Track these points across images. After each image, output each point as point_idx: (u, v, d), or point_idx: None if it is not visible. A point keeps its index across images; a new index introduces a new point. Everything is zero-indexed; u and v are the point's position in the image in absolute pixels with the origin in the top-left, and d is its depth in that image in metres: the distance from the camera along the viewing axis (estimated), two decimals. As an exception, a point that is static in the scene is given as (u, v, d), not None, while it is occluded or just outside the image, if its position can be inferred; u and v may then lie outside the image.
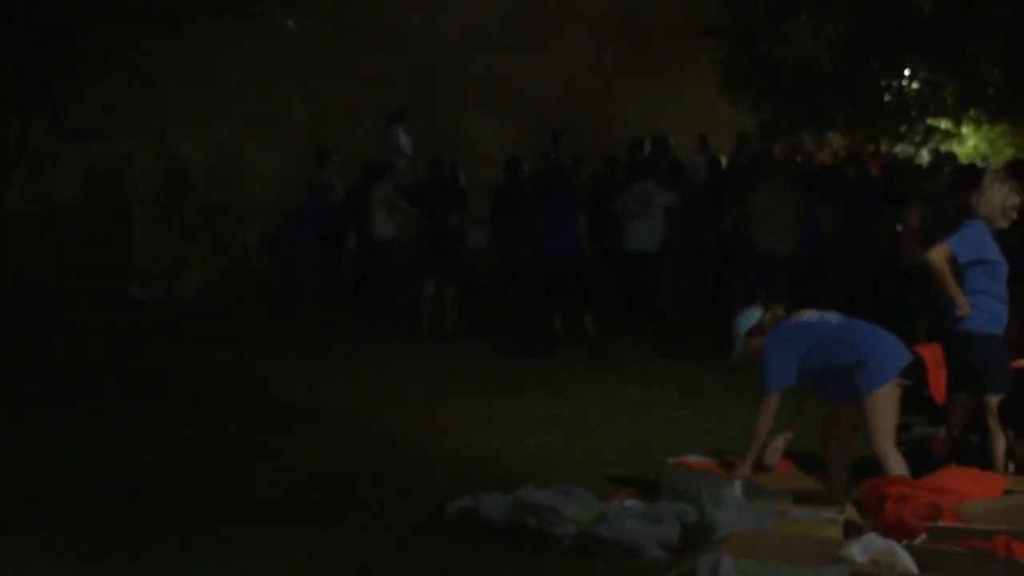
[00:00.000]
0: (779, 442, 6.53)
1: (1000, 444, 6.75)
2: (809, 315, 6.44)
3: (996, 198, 6.92)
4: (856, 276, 11.77)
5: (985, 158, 19.74)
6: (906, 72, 18.25)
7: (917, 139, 19.15)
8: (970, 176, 11.10)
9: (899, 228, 10.95)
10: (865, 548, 5.03)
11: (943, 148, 18.73)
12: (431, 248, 12.74)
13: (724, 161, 15.27)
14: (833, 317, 6.41)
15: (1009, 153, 19.10)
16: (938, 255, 6.81)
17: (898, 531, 5.41)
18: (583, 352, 11.41)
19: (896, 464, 6.11)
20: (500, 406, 9.33)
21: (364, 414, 9.03)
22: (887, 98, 18.34)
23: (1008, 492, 5.87)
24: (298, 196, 14.58)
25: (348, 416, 8.96)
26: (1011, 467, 6.75)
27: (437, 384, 10.15)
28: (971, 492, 5.67)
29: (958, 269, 6.81)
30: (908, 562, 4.98)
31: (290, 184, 14.85)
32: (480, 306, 13.69)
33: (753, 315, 6.51)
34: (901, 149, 19.44)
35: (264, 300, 14.31)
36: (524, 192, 13.84)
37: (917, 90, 18.34)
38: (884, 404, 6.11)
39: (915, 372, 6.27)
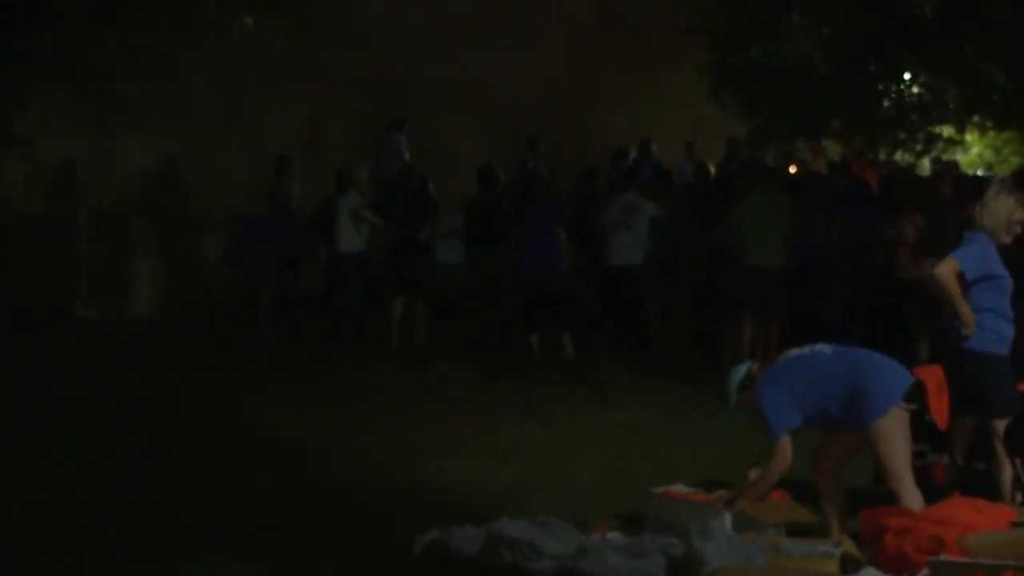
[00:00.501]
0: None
1: (1007, 472, 6.74)
2: (798, 351, 6.44)
3: (1002, 211, 6.90)
4: (851, 291, 11.79)
5: (990, 167, 19.88)
6: (906, 75, 18.33)
7: (918, 147, 19.25)
8: (970, 187, 11.17)
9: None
10: (863, 584, 5.02)
11: (945, 157, 18.86)
12: (400, 263, 12.72)
13: (713, 169, 15.30)
14: (825, 348, 6.41)
15: (1016, 162, 19.25)
16: (947, 271, 6.80)
17: (898, 565, 5.40)
18: (562, 374, 11.44)
19: (912, 497, 6.07)
20: (473, 432, 9.29)
21: (327, 441, 8.97)
22: (886, 103, 18.43)
23: (1015, 524, 5.85)
24: (260, 206, 14.49)
25: (311, 443, 8.90)
26: (1019, 497, 6.75)
27: (405, 408, 10.10)
28: (976, 524, 5.65)
29: (964, 286, 6.81)
30: (909, 599, 4.97)
31: (252, 193, 14.77)
32: (452, 325, 13.65)
33: (740, 370, 6.51)
34: (901, 157, 19.54)
35: (223, 319, 14.21)
36: (500, 203, 13.86)
37: (917, 94, 18.44)
38: (893, 430, 6.10)
39: (917, 395, 6.26)
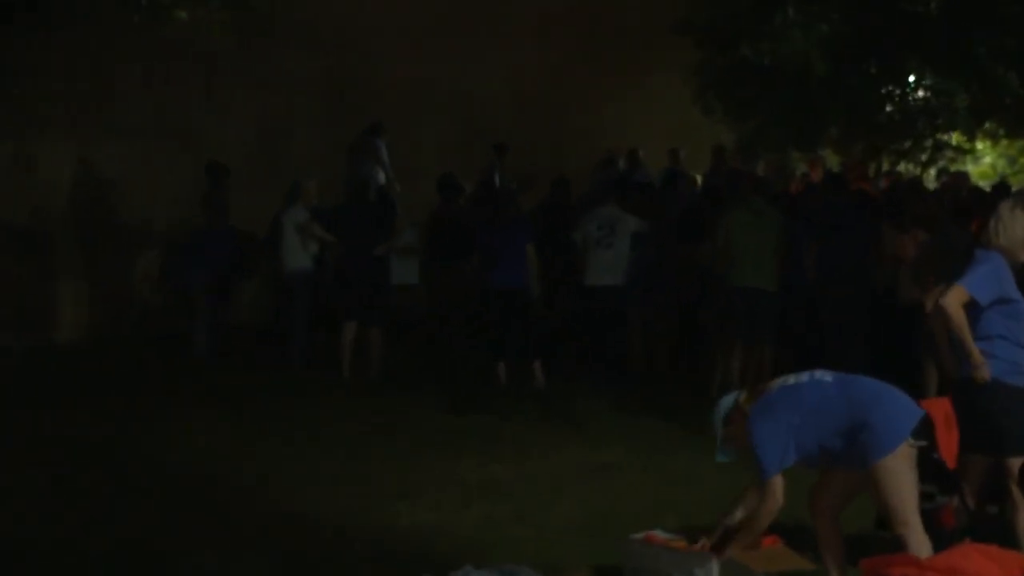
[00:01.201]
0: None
1: (1022, 515, 6.77)
2: (794, 378, 6.33)
3: (1019, 228, 6.92)
4: (850, 315, 11.83)
5: (1004, 178, 20.01)
6: (910, 77, 18.42)
7: (923, 156, 19.34)
8: (982, 200, 11.23)
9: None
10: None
11: (954, 167, 18.97)
12: (352, 283, 12.70)
13: (699, 180, 15.36)
14: (825, 375, 6.29)
15: (1031, 173, 19.41)
16: (954, 301, 6.78)
17: (903, 619, 5.40)
18: (532, 406, 11.42)
19: (919, 543, 6.03)
20: (434, 471, 9.26)
21: (272, 483, 8.92)
22: (888, 108, 18.51)
23: (1031, 573, 5.83)
24: (196, 219, 14.44)
25: (251, 486, 8.85)
26: (1035, 543, 6.74)
27: (358, 445, 10.04)
28: (988, 572, 5.66)
29: (975, 312, 6.82)
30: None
31: (191, 206, 14.71)
32: (410, 352, 13.67)
33: (727, 401, 6.45)
34: (905, 168, 19.63)
35: (154, 346, 14.14)
36: (463, 217, 13.88)
37: (923, 98, 18.52)
38: (900, 469, 6.01)
39: (926, 431, 6.22)
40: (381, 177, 16.59)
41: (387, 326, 12.95)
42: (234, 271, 14.04)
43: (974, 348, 6.75)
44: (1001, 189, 13.92)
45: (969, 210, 11.52)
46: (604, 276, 12.69)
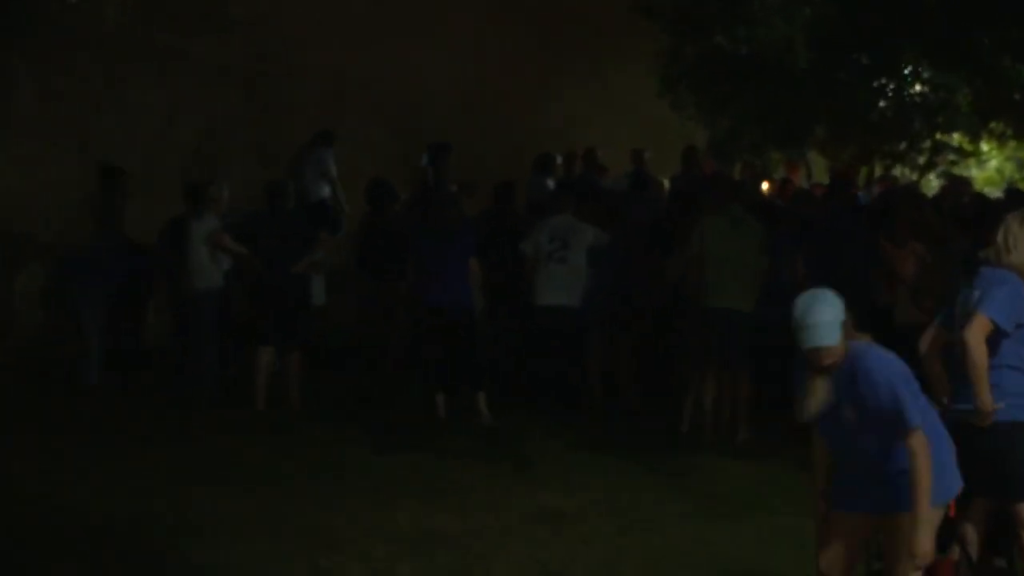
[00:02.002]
0: None
1: (1033, 569, 6.81)
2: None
3: (1034, 242, 6.95)
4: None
5: (1012, 184, 20.14)
6: (906, 70, 18.52)
7: (922, 159, 19.45)
8: (983, 209, 11.28)
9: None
10: None
11: (956, 171, 19.08)
12: (269, 303, 12.67)
13: (667, 185, 15.38)
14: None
15: (1041, 178, 19.56)
16: (979, 334, 6.85)
17: None
18: (475, 445, 11.38)
19: None
20: (361, 518, 9.21)
21: (177, 531, 8.82)
22: (882, 104, 18.59)
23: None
24: (88, 230, 14.32)
25: (152, 536, 8.75)
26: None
27: (274, 488, 9.97)
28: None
29: (995, 341, 6.89)
30: None
31: (79, 212, 14.58)
32: (335, 381, 13.65)
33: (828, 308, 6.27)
34: (902, 173, 19.72)
35: (38, 370, 14.01)
36: (396, 226, 13.87)
37: (921, 93, 18.62)
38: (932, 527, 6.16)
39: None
40: (326, 191, 16.59)
41: (309, 350, 12.91)
42: (132, 289, 13.93)
43: (987, 390, 6.81)
44: (1014, 196, 14.00)
45: (970, 220, 11.56)
46: (556, 295, 12.74)
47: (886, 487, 6.20)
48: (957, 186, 15.25)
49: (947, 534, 6.78)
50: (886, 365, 6.16)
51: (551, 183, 15.84)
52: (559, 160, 16.22)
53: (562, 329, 12.77)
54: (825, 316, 6.14)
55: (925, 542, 6.04)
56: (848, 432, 6.21)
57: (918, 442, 6.03)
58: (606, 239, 12.90)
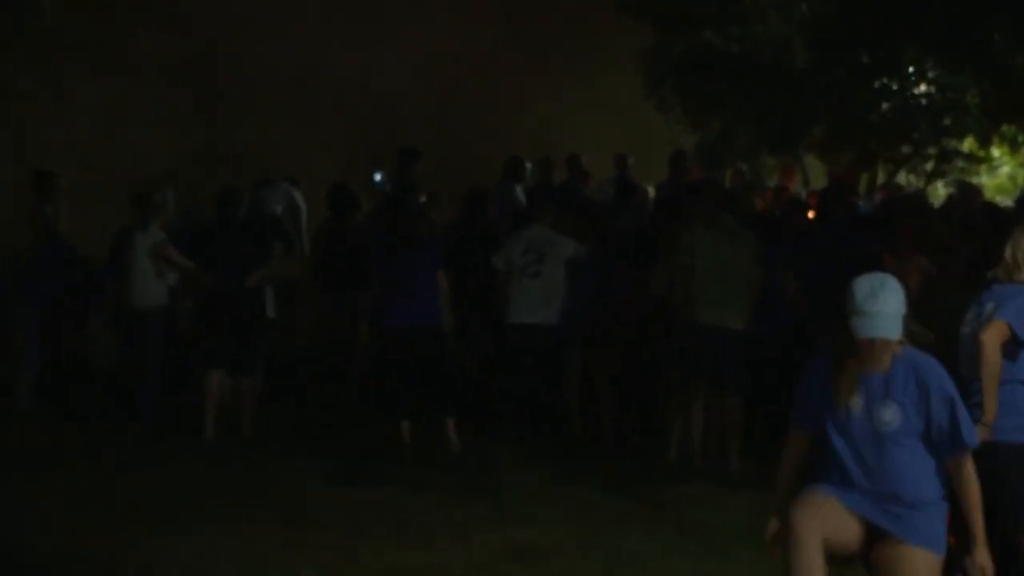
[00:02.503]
0: None
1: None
2: None
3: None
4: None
5: (1024, 192, 20.18)
6: (910, 69, 18.55)
7: (928, 165, 19.46)
8: (994, 218, 11.27)
9: None
10: None
11: (965, 178, 19.07)
12: (219, 321, 12.62)
13: (652, 193, 15.35)
14: None
15: (1057, 185, 19.59)
16: (994, 338, 6.99)
17: None
18: (444, 475, 11.35)
19: None
20: (322, 556, 9.16)
21: (105, 573, 8.72)
22: (884, 106, 18.62)
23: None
24: (23, 240, 14.26)
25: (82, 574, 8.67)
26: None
27: (225, 523, 9.89)
28: None
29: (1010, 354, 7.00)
30: None
31: (13, 222, 14.54)
32: (292, 406, 13.63)
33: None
34: (906, 180, 19.74)
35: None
36: (358, 237, 13.89)
37: (926, 94, 18.66)
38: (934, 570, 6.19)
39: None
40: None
41: (264, 373, 12.89)
42: (71, 305, 13.86)
43: (993, 403, 6.92)
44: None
45: (979, 232, 11.55)
46: (530, 312, 12.73)
47: (898, 508, 6.16)
48: (967, 195, 15.22)
49: (952, 568, 6.75)
50: (948, 378, 6.19)
51: (520, 190, 15.79)
52: (529, 166, 16.16)
53: (537, 348, 12.75)
54: (891, 306, 6.13)
55: (984, 557, 6.19)
56: (873, 440, 6.17)
57: (970, 462, 6.12)
58: (585, 252, 12.85)
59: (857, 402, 6.14)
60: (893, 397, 6.09)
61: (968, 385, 7.11)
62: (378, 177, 15.81)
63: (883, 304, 6.07)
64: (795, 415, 6.45)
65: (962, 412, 6.07)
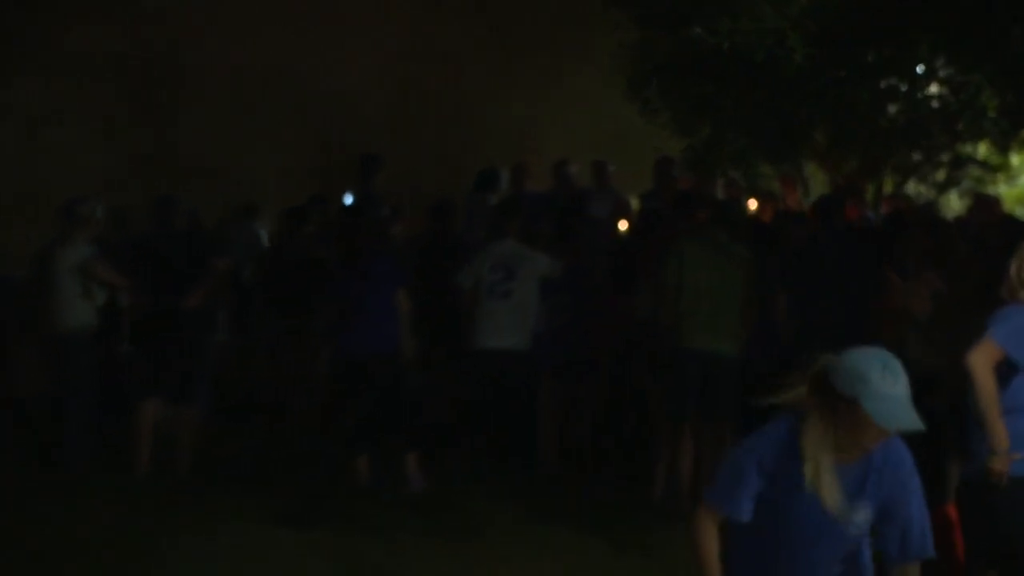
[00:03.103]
0: None
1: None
2: None
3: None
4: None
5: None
6: (921, 68, 18.57)
7: (940, 174, 19.46)
8: (1011, 234, 11.23)
9: None
10: None
11: (981, 189, 19.07)
12: (154, 344, 12.53)
13: (636, 204, 15.33)
14: None
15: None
16: (983, 360, 7.00)
17: None
18: (406, 516, 11.32)
19: None
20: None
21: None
22: (892, 109, 18.63)
23: None
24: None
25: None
26: None
27: (152, 571, 9.85)
28: None
29: (1001, 377, 7.02)
30: None
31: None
32: (236, 439, 13.62)
33: None
34: (916, 190, 19.75)
35: None
36: (312, 254, 13.92)
37: (939, 96, 18.67)
38: None
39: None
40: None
41: (204, 403, 12.84)
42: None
43: (999, 427, 6.95)
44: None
45: (995, 247, 11.53)
46: (500, 337, 12.69)
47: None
48: (983, 207, 15.20)
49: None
50: (915, 469, 5.73)
51: (493, 200, 15.72)
52: (505, 175, 16.11)
53: (508, 377, 12.73)
54: (907, 388, 5.52)
55: None
56: (831, 539, 5.69)
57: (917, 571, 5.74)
58: (560, 269, 12.80)
59: (836, 499, 5.53)
60: (867, 493, 5.61)
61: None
62: (349, 200, 15.76)
63: (903, 386, 5.44)
64: (719, 492, 5.74)
65: (926, 515, 5.66)
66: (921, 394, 10.66)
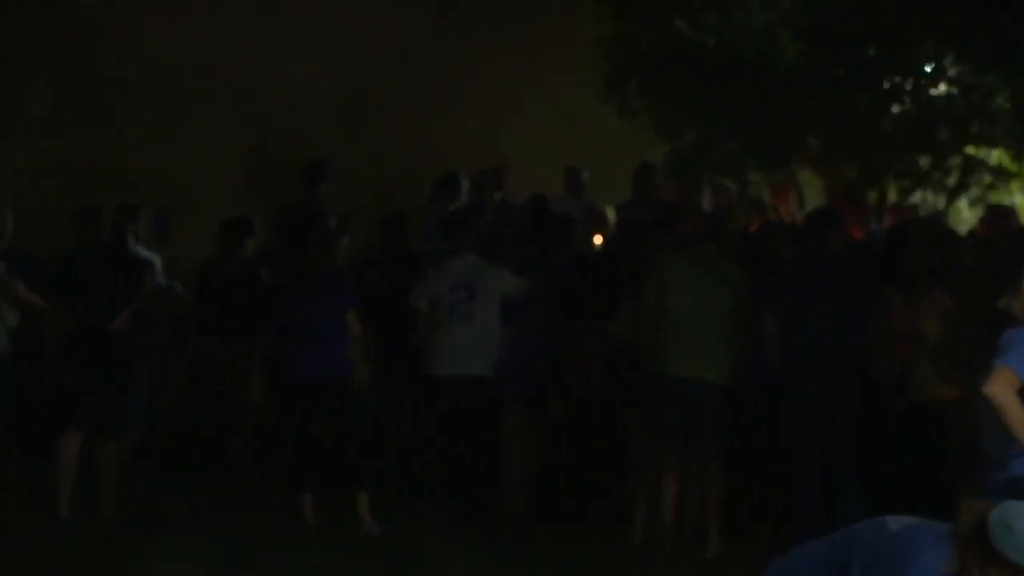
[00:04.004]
0: None
1: None
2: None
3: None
4: (836, 421, 11.77)
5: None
6: (928, 67, 18.59)
7: (949, 181, 19.47)
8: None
9: None
10: None
11: (995, 197, 19.11)
12: (78, 372, 12.46)
13: (613, 216, 15.32)
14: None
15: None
16: (1003, 385, 7.10)
17: None
18: (356, 561, 11.31)
19: None
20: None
21: None
22: (895, 109, 18.64)
23: None
24: None
25: None
26: None
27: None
28: None
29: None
30: None
31: None
32: (167, 478, 13.55)
33: None
34: (924, 199, 19.76)
35: None
36: (248, 271, 13.91)
37: (947, 96, 18.68)
38: None
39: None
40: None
41: (133, 437, 12.81)
42: None
43: None
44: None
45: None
46: (461, 363, 12.60)
47: None
48: (1000, 219, 15.20)
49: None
50: None
51: None
52: (466, 183, 16.05)
53: (470, 407, 12.64)
54: None
55: None
56: None
57: None
58: (525, 287, 12.75)
59: None
60: None
61: (1000, 453, 7.26)
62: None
63: None
64: None
65: None
66: (930, 427, 10.72)
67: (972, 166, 19.57)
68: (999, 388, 7.11)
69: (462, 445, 12.81)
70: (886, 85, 18.45)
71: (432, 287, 12.81)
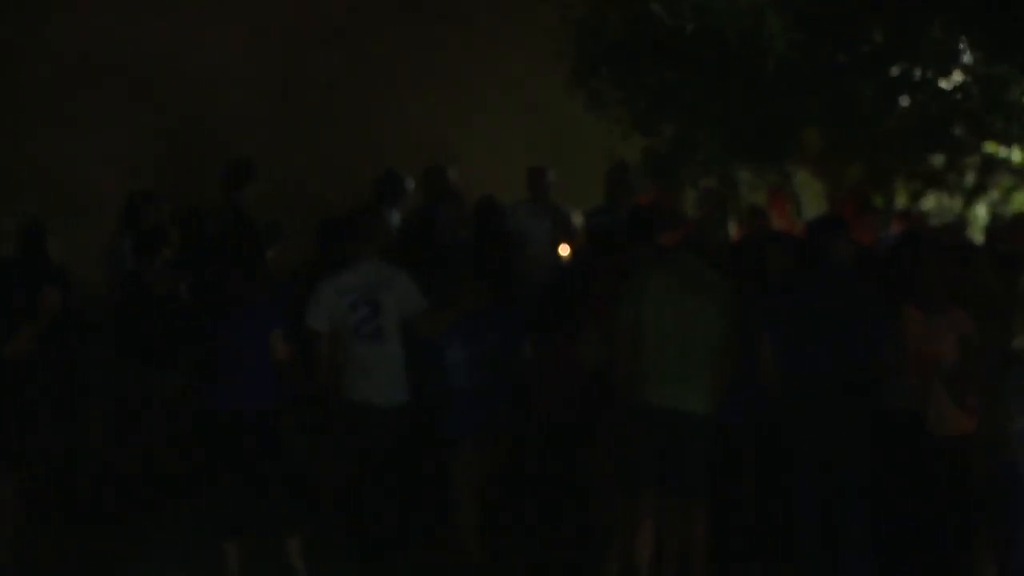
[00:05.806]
0: None
1: None
2: None
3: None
4: (842, 455, 11.76)
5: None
6: (939, 56, 18.66)
7: (965, 181, 19.51)
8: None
9: None
10: None
11: (1017, 202, 19.18)
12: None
13: (581, 222, 15.32)
14: None
15: None
16: None
17: None
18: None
19: None
20: None
21: None
22: (903, 103, 18.68)
23: None
24: None
25: None
26: None
27: None
28: None
29: None
30: None
31: None
32: (73, 520, 13.49)
33: None
34: (938, 203, 19.82)
35: None
36: (167, 289, 13.88)
37: (961, 88, 18.74)
38: None
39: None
40: None
41: (33, 475, 12.80)
42: None
43: None
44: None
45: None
46: (375, 389, 12.40)
47: None
48: (1016, 227, 15.26)
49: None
50: None
51: (397, 217, 15.61)
52: (410, 184, 16.02)
53: (389, 441, 12.45)
54: None
55: None
56: None
57: None
58: (425, 305, 12.58)
59: None
60: None
61: None
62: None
63: None
64: None
65: None
66: (948, 464, 10.73)
67: (991, 166, 19.61)
68: None
69: (395, 479, 12.67)
70: (892, 75, 18.50)
71: (327, 305, 12.48)
